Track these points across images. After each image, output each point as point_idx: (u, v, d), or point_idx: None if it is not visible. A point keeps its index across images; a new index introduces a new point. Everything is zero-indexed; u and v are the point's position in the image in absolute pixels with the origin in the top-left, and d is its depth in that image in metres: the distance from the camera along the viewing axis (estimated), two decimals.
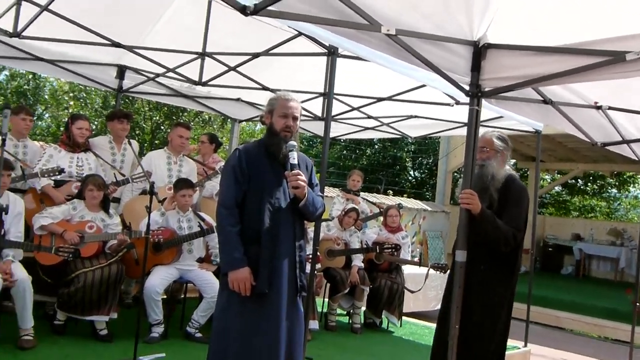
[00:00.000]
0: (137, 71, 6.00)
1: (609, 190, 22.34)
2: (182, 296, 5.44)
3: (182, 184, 5.02)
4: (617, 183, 21.34)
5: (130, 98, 16.12)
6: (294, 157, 3.24)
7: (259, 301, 3.13)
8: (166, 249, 4.82)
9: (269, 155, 3.28)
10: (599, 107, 3.92)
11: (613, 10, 2.53)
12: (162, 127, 17.04)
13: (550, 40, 2.75)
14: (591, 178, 21.26)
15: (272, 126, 3.28)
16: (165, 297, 5.13)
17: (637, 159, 5.09)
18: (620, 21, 2.54)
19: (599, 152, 11.04)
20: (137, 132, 17.39)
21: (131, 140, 5.85)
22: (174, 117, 16.80)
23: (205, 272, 4.99)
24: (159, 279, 4.70)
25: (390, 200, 11.54)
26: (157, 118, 17.46)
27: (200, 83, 5.55)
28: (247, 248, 3.11)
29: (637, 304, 6.13)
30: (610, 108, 3.98)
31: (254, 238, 3.15)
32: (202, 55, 5.11)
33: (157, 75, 5.79)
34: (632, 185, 21.20)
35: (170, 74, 5.71)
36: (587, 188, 21.91)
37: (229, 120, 8.49)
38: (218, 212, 3.18)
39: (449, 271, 3.90)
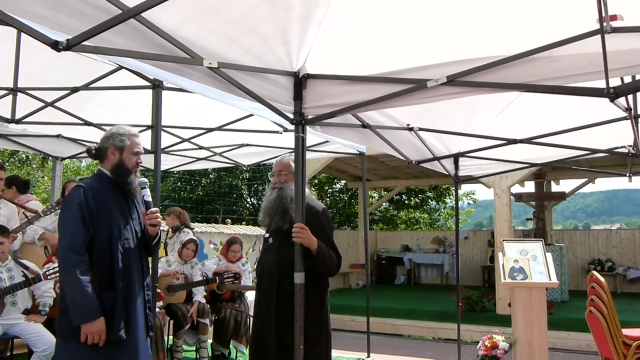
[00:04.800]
0: None
1: (429, 203, 24.27)
2: (9, 354, 4.93)
3: None
4: (434, 196, 23.27)
5: None
6: (148, 195, 3.24)
7: (112, 349, 2.99)
8: None
9: (115, 192, 3.17)
10: (411, 129, 4.31)
11: (417, 43, 2.82)
12: None
13: (363, 70, 2.99)
14: (413, 193, 22.93)
15: (123, 163, 3.21)
16: None
17: (447, 173, 5.66)
18: (422, 53, 2.83)
19: (418, 168, 12.00)
20: None
21: None
22: None
23: (34, 324, 4.59)
24: None
25: (229, 229, 11.49)
26: None
27: (13, 121, 5.12)
28: (99, 295, 2.94)
29: (460, 304, 6.74)
30: (420, 129, 4.39)
31: (106, 283, 3.00)
32: (14, 90, 4.73)
33: None
34: (447, 197, 23.25)
35: None
36: (411, 202, 23.59)
37: (49, 158, 7.90)
38: (65, 256, 2.90)
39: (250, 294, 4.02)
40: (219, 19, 2.45)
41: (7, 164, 16.40)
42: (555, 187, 14.86)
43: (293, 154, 3.45)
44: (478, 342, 6.51)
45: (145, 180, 3.36)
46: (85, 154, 7.01)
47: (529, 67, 2.49)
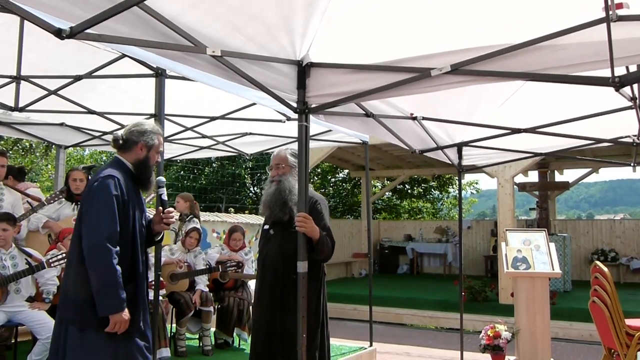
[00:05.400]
0: None
1: (432, 192, 24.27)
2: (13, 341, 4.97)
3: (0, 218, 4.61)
4: (438, 185, 23.27)
5: None
6: (164, 194, 3.30)
7: (127, 339, 3.06)
8: None
9: (133, 185, 3.22)
10: (414, 118, 4.30)
11: (420, 31, 2.81)
12: None
13: (366, 59, 2.97)
14: (416, 182, 22.93)
15: (147, 160, 3.27)
16: None
17: (450, 162, 5.65)
18: (426, 41, 2.82)
19: (421, 158, 11.99)
20: None
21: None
22: None
23: (38, 311, 4.61)
24: None
25: (232, 217, 11.51)
26: None
27: (16, 109, 5.13)
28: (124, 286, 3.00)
29: (463, 294, 6.76)
30: (424, 118, 4.37)
31: (128, 275, 3.04)
32: (17, 78, 4.74)
33: None
34: (450, 187, 23.22)
35: None
36: (414, 191, 23.59)
37: (53, 146, 7.92)
38: (104, 248, 2.89)
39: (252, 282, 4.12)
40: (223, 6, 2.44)
41: (10, 152, 16.46)
42: (558, 177, 14.84)
43: (289, 146, 3.45)
44: (481, 332, 6.54)
45: (163, 179, 3.42)
46: (89, 142, 7.07)
47: (533, 55, 2.48)
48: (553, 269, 6.04)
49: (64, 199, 5.54)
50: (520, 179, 13.51)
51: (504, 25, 2.62)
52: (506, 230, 6.64)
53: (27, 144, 16.97)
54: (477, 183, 25.73)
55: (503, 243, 6.49)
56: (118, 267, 2.93)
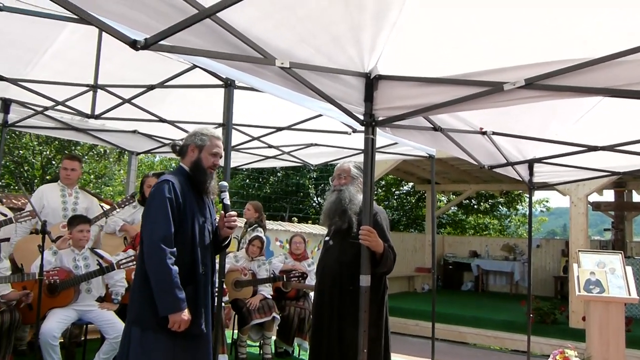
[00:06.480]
0: (23, 104, 5.68)
1: (500, 208, 23.60)
2: (83, 339, 5.15)
3: (78, 220, 4.83)
4: (506, 202, 22.61)
5: (17, 133, 15.25)
6: (227, 198, 3.35)
7: (187, 341, 3.11)
8: (62, 290, 4.57)
9: (193, 189, 3.28)
10: (484, 133, 4.17)
11: (491, 45, 2.72)
12: (54, 162, 16.16)
13: (436, 72, 2.91)
14: (483, 197, 22.38)
15: (200, 161, 3.31)
16: (62, 341, 4.84)
17: (520, 179, 5.45)
18: (497, 55, 2.73)
19: (489, 173, 11.69)
20: (25, 167, 16.40)
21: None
22: (65, 151, 16.01)
23: (107, 311, 4.78)
24: (55, 323, 4.44)
25: (295, 227, 11.58)
26: (48, 152, 16.56)
27: (92, 116, 5.34)
28: (183, 287, 3.05)
29: (531, 315, 6.50)
30: (494, 133, 4.24)
31: (187, 278, 3.10)
32: (94, 87, 4.94)
33: (46, 108, 5.51)
34: (519, 204, 22.51)
35: (61, 107, 5.46)
36: (480, 207, 23.04)
37: (125, 153, 8.22)
38: (159, 248, 2.97)
39: (313, 294, 4.14)
40: (292, 18, 2.44)
41: (86, 157, 17.23)
42: (636, 197, 14.11)
43: (354, 159, 3.41)
44: (548, 356, 6.25)
45: (226, 184, 3.46)
46: (159, 150, 7.29)
47: (615, 70, 2.35)
48: (629, 294, 5.72)
49: (138, 204, 5.73)
50: (594, 197, 12.93)
51: (581, 39, 2.50)
52: (579, 250, 6.35)
53: (101, 149, 17.71)
54: (547, 201, 24.88)
55: (575, 264, 6.20)
56: (174, 267, 2.98)
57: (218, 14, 2.13)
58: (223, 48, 2.39)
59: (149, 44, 2.00)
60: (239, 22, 2.36)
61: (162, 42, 2.05)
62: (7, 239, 5.22)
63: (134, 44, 1.98)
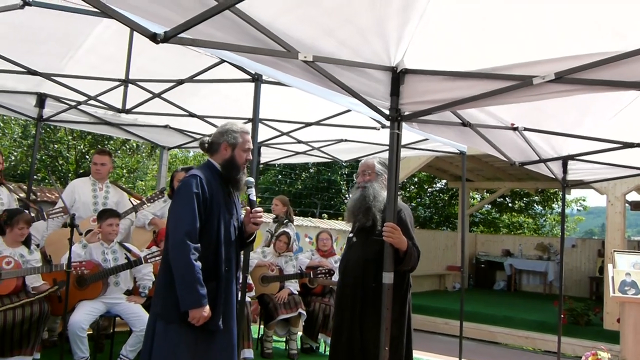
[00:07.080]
0: (58, 99, 5.79)
1: (535, 207, 23.15)
2: (111, 331, 5.23)
3: (107, 214, 4.88)
4: (541, 200, 22.17)
5: (52, 127, 15.58)
6: (253, 194, 3.35)
7: (209, 336, 3.12)
8: (91, 282, 4.64)
9: (222, 186, 3.27)
10: (515, 129, 4.07)
11: (521, 38, 2.64)
12: (88, 156, 16.47)
13: (464, 66, 2.84)
14: (517, 196, 21.99)
15: (234, 159, 3.30)
16: (91, 332, 4.92)
17: (553, 176, 5.32)
18: (527, 48, 2.65)
19: (523, 170, 11.48)
20: (60, 162, 16.75)
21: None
22: (99, 146, 16.28)
23: (134, 304, 4.83)
24: (83, 314, 4.50)
25: (324, 223, 11.57)
26: (82, 147, 16.89)
27: (124, 110, 5.40)
28: (205, 284, 3.05)
29: (562, 315, 6.35)
30: (526, 129, 4.13)
31: (210, 273, 3.10)
32: (125, 82, 4.99)
33: (79, 103, 5.60)
34: (554, 202, 22.04)
35: (93, 102, 5.54)
36: (515, 205, 22.64)
37: (157, 147, 8.30)
38: (183, 243, 2.96)
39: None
40: (316, 10, 2.40)
41: (118, 151, 17.50)
42: None
43: (378, 155, 3.35)
44: (581, 358, 6.11)
45: (252, 180, 3.45)
46: (191, 145, 7.34)
47: None
48: None
49: (168, 198, 5.78)
50: (633, 196, 12.57)
51: (613, 31, 2.40)
52: (614, 251, 6.17)
53: (134, 144, 17.93)
54: (584, 200, 24.34)
55: (610, 265, 6.03)
56: (197, 263, 2.97)
57: (239, 7, 2.11)
58: (246, 41, 2.36)
59: (169, 37, 1.99)
60: (261, 15, 2.33)
61: (182, 35, 2.04)
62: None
63: (153, 37, 1.98)
